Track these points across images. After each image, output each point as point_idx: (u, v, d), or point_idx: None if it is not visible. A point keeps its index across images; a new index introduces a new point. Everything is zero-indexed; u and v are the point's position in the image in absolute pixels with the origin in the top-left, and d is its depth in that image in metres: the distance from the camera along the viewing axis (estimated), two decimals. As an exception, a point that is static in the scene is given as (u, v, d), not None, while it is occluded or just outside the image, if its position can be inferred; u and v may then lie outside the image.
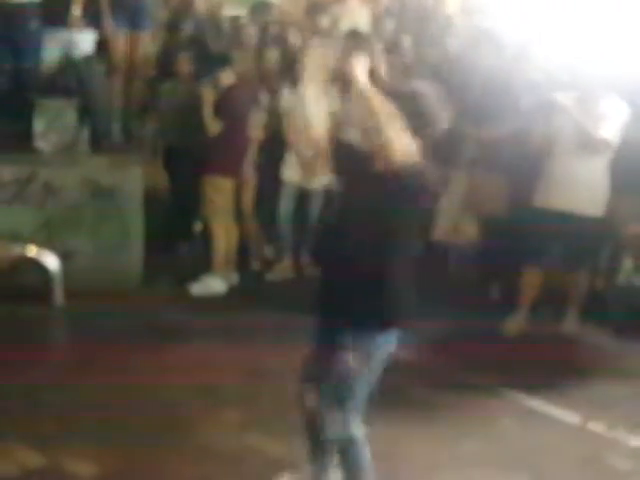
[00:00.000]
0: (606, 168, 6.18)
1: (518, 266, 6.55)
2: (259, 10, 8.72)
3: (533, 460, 4.70)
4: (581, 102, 6.14)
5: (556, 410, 5.32)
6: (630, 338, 6.35)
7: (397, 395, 5.39)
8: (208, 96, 7.01)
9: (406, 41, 7.96)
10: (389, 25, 8.32)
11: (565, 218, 6.10)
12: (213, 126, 6.97)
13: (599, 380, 5.75)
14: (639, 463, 4.74)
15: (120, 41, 7.80)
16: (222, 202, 7.07)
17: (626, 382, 5.73)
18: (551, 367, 5.86)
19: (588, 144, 6.04)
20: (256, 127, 7.24)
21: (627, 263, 7.06)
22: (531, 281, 6.46)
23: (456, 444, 4.82)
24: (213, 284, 7.05)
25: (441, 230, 7.11)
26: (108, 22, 7.67)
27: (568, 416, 5.26)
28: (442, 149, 7.06)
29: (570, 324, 6.50)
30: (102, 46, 7.78)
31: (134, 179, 7.09)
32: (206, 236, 7.41)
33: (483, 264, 7.25)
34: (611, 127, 6.04)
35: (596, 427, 5.11)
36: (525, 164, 6.53)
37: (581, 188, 6.12)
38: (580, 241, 6.17)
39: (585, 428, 5.14)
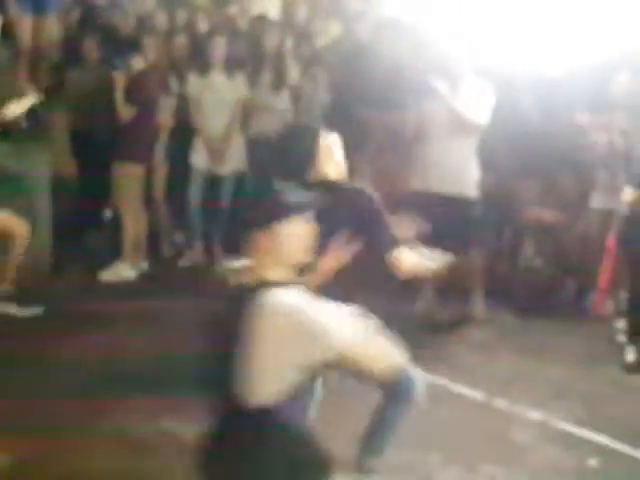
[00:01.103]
0: (475, 150, 6.26)
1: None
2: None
3: (440, 437, 4.76)
4: (454, 86, 6.21)
5: (462, 388, 5.41)
6: (531, 318, 6.51)
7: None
8: (119, 82, 6.92)
9: (317, 28, 7.95)
10: (301, 12, 8.31)
11: (440, 200, 6.17)
12: (124, 112, 6.88)
13: (502, 358, 5.88)
14: (540, 436, 4.85)
15: (25, 25, 7.64)
16: (132, 189, 7.00)
17: (527, 360, 5.85)
18: (456, 347, 5.98)
19: (461, 126, 6.12)
20: (166, 113, 7.19)
21: (528, 246, 7.21)
22: None
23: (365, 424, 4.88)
24: (123, 271, 6.98)
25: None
26: (12, 6, 7.50)
27: (473, 393, 5.35)
28: (348, 135, 7.15)
29: (476, 306, 6.63)
30: (6, 31, 7.61)
31: (41, 166, 6.97)
32: (116, 223, 7.33)
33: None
34: (482, 110, 6.13)
35: (499, 403, 5.22)
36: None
37: (453, 170, 6.19)
38: (462, 223, 6.22)
39: (489, 404, 5.24)
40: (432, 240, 6.03)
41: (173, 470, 4.20)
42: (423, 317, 6.52)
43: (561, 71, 6.70)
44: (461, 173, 6.22)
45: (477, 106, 6.11)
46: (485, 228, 6.57)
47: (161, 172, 7.32)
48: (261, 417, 2.62)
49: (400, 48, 7.22)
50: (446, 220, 6.16)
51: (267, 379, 2.58)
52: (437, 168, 6.19)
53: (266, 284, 2.64)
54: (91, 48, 7.37)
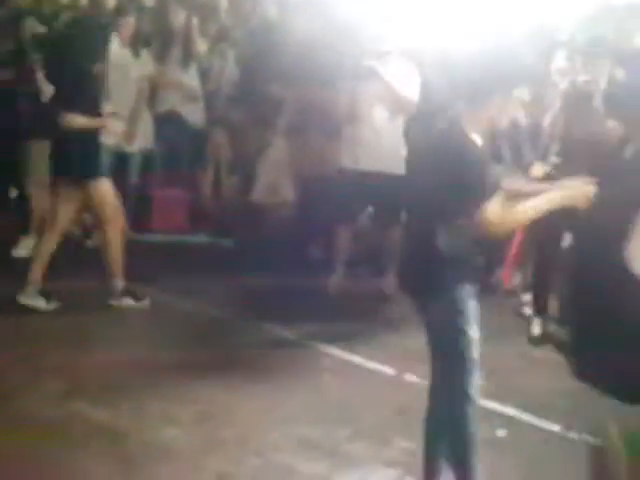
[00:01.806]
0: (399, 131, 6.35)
1: (334, 226, 6.64)
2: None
3: (354, 412, 4.78)
4: (389, 66, 6.27)
5: (374, 363, 5.44)
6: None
7: (217, 355, 5.42)
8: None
9: (224, 4, 7.86)
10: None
11: (373, 177, 6.23)
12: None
13: (413, 334, 5.89)
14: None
15: None
16: (39, 168, 6.82)
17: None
18: (368, 322, 5.99)
19: (398, 106, 6.20)
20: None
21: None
22: (343, 240, 6.57)
23: (280, 401, 4.86)
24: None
25: (259, 192, 7.11)
26: None
27: (385, 369, 5.38)
28: (261, 111, 7.10)
29: (386, 281, 6.62)
30: None
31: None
32: (23, 202, 7.14)
33: (301, 224, 7.28)
34: (411, 89, 6.24)
35: (410, 378, 5.25)
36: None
37: (386, 148, 6.28)
38: (389, 199, 6.27)
39: (400, 380, 5.27)
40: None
41: (85, 452, 4.15)
42: (335, 289, 6.50)
43: (469, 48, 6.72)
44: (396, 151, 6.31)
45: (407, 86, 6.23)
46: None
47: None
48: None
49: (314, 26, 7.16)
50: (380, 196, 6.19)
51: None
52: (372, 147, 6.27)
53: None
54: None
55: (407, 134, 6.31)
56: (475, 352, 3.70)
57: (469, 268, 3.62)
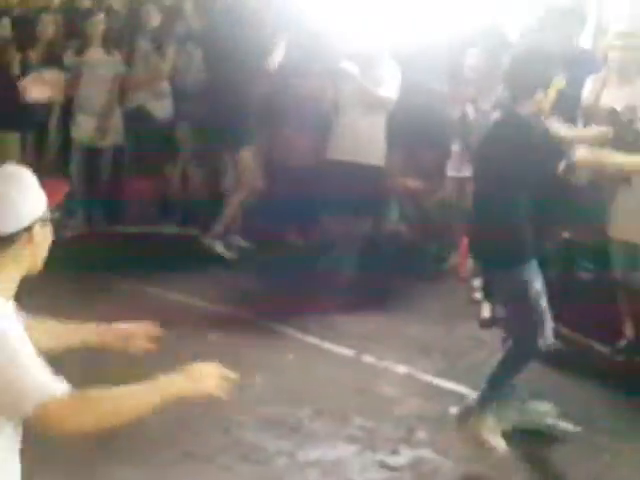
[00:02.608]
0: (384, 124, 6.42)
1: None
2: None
3: (314, 392, 4.86)
4: (364, 67, 6.33)
5: (332, 346, 5.50)
6: (397, 278, 6.60)
7: (182, 336, 5.42)
8: None
9: (188, 7, 7.84)
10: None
11: (350, 167, 6.31)
12: None
13: (369, 317, 5.95)
14: (405, 389, 5.00)
15: None
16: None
17: (393, 318, 5.94)
18: (326, 306, 6.01)
19: (370, 102, 6.30)
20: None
21: (394, 211, 7.30)
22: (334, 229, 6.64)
23: (242, 383, 4.90)
24: None
25: (230, 180, 7.13)
26: None
27: (343, 350, 5.44)
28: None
29: (347, 267, 6.55)
30: None
31: None
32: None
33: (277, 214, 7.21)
34: (388, 88, 6.32)
35: (367, 359, 5.32)
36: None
37: (363, 141, 6.35)
38: (364, 189, 6.31)
39: (358, 360, 5.34)
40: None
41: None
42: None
43: (419, 46, 6.75)
44: (370, 145, 6.38)
45: (387, 85, 6.32)
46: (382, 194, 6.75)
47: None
48: None
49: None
50: (356, 185, 6.23)
51: None
52: (350, 140, 6.35)
53: None
54: None
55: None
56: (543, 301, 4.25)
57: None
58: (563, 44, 6.07)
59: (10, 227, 2.27)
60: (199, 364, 2.52)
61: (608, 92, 5.63)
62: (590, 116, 5.70)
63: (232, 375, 2.54)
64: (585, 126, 5.66)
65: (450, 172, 6.52)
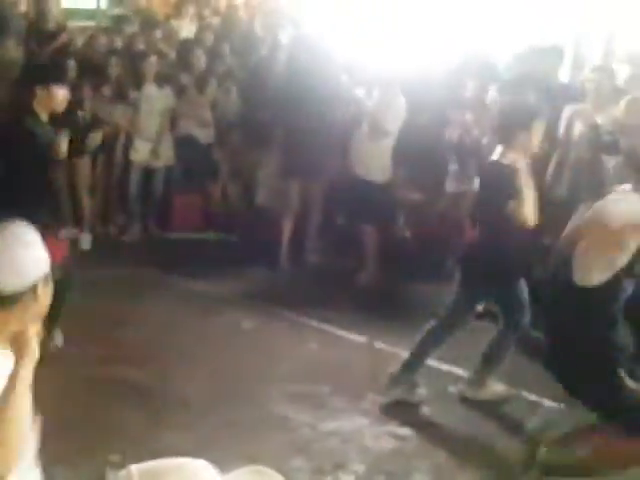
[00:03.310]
0: (390, 147, 6.28)
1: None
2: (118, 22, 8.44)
3: (333, 373, 4.83)
4: (374, 98, 6.28)
5: (348, 334, 5.44)
6: (414, 280, 6.38)
7: (222, 326, 5.40)
8: None
9: (225, 49, 7.83)
10: (209, 36, 8.20)
11: (361, 183, 6.27)
12: None
13: (382, 312, 5.83)
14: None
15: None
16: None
17: (399, 311, 5.84)
18: (344, 301, 5.98)
19: (376, 130, 6.21)
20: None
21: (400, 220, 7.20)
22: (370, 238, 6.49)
23: (275, 364, 4.89)
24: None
25: (261, 197, 7.12)
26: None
27: (358, 337, 5.39)
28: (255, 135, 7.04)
29: (367, 273, 6.45)
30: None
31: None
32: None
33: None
34: (394, 118, 6.20)
35: (380, 345, 5.27)
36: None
37: (371, 161, 6.26)
38: (367, 201, 6.24)
39: (370, 346, 5.30)
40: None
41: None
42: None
43: (422, 76, 6.66)
44: (376, 163, 6.28)
45: (389, 110, 6.20)
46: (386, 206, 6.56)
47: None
48: None
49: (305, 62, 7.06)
50: (363, 199, 6.17)
51: None
52: (361, 160, 6.30)
53: None
54: None
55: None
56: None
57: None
58: (545, 78, 6.04)
59: (15, 285, 1.99)
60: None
61: (582, 120, 5.58)
62: (567, 141, 5.66)
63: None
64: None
65: (448, 188, 6.46)
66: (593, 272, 3.49)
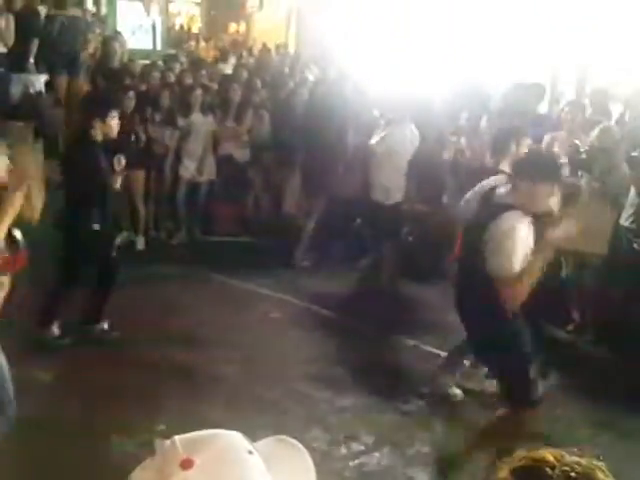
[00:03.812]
0: (403, 171, 5.99)
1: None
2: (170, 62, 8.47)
3: (347, 358, 4.74)
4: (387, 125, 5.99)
5: (360, 326, 5.28)
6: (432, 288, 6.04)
7: (248, 319, 5.31)
8: None
9: (259, 84, 7.77)
10: (245, 73, 8.18)
11: (376, 205, 6.01)
12: None
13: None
14: (412, 356, 4.89)
15: (62, 82, 7.39)
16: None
17: (404, 307, 5.75)
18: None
19: (392, 156, 5.91)
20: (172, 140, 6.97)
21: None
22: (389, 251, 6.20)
23: (296, 351, 4.80)
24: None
25: (287, 206, 7.06)
26: (55, 69, 7.31)
27: (365, 329, 5.22)
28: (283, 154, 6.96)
29: (386, 280, 6.18)
30: (50, 86, 7.40)
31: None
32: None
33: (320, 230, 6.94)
34: (407, 148, 5.94)
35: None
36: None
37: (390, 186, 5.96)
38: (383, 221, 6.01)
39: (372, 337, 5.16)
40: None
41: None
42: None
43: (427, 105, 6.51)
44: (394, 187, 5.97)
45: (406, 141, 5.91)
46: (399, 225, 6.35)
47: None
48: None
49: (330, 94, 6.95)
50: (379, 218, 5.98)
51: None
52: (380, 184, 5.97)
53: None
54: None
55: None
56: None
57: None
58: (528, 110, 5.93)
59: None
60: None
61: (559, 145, 5.47)
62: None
63: None
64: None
65: (445, 200, 6.34)
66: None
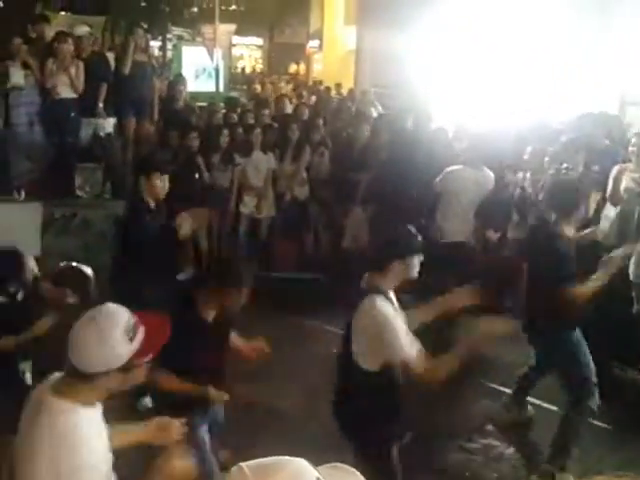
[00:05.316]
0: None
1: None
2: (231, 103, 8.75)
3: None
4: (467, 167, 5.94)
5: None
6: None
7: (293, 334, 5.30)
8: None
9: (319, 122, 7.90)
10: (305, 111, 8.37)
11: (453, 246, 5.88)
12: None
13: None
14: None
15: (130, 125, 7.70)
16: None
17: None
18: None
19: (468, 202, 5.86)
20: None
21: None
22: None
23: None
24: None
25: (347, 241, 7.12)
26: (123, 113, 7.62)
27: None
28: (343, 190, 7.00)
29: None
30: (119, 129, 7.71)
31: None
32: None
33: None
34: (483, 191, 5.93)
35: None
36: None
37: (463, 226, 5.92)
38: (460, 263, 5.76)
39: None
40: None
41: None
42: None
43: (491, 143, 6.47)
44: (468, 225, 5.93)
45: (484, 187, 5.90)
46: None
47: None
48: None
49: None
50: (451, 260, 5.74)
51: None
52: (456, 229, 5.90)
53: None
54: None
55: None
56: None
57: None
58: (594, 140, 5.84)
59: (89, 368, 1.92)
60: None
61: (628, 176, 5.35)
62: (614, 195, 5.41)
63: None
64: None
65: (510, 235, 6.21)
66: None
